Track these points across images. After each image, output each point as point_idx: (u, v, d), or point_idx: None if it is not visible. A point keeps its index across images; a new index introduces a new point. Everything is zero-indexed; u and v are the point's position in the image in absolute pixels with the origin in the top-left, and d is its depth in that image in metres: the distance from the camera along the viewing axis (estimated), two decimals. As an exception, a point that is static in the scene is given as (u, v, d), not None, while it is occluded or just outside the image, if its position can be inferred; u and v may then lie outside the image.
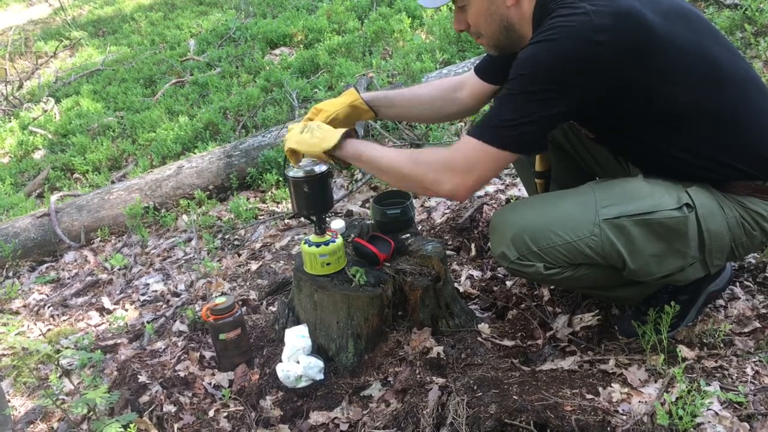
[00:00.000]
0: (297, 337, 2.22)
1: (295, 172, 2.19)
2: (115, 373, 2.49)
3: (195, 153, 4.51)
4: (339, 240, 2.26)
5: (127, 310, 3.12)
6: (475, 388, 1.87)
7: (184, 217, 3.93)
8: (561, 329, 2.20)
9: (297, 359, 2.19)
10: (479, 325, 2.29)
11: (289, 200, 3.66)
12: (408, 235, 2.41)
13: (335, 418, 2.04)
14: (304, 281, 2.29)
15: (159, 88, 6.16)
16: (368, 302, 2.19)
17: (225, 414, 2.12)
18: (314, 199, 2.20)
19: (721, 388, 1.79)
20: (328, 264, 2.24)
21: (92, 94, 6.48)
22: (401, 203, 2.45)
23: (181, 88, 6.02)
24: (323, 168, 2.19)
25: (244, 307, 2.75)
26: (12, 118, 6.51)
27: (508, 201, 2.99)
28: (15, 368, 2.84)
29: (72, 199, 4.17)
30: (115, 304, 3.22)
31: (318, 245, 2.23)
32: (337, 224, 2.43)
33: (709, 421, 1.67)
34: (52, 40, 8.94)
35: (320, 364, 2.18)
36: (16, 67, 8.23)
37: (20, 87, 7.46)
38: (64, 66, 8.00)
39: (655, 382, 1.86)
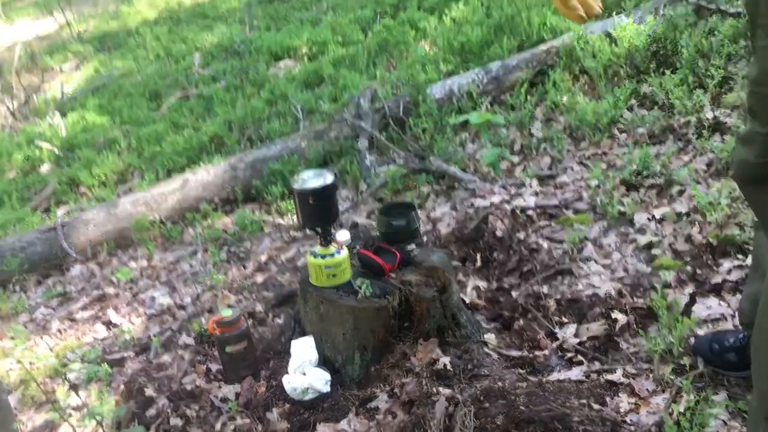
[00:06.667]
0: (303, 349, 2.22)
1: (300, 185, 2.19)
2: (122, 386, 2.49)
3: (200, 166, 4.52)
4: (344, 252, 2.26)
5: (133, 324, 3.12)
6: (482, 399, 1.86)
7: (190, 230, 3.94)
8: (568, 339, 2.20)
9: (303, 371, 2.18)
10: (485, 336, 2.29)
11: (295, 212, 3.67)
12: (413, 246, 2.41)
13: (342, 430, 2.03)
14: (310, 293, 2.29)
15: (164, 102, 6.18)
16: (374, 314, 2.19)
17: (232, 427, 2.12)
18: (320, 211, 2.21)
19: (729, 397, 1.78)
20: (333, 276, 2.25)
21: (98, 108, 6.50)
22: (406, 214, 2.45)
23: (186, 101, 6.04)
24: (329, 180, 2.20)
25: (251, 320, 2.75)
26: (18, 132, 6.54)
27: (513, 212, 2.99)
28: (22, 382, 2.84)
29: (78, 213, 4.17)
30: (121, 317, 3.22)
31: (323, 257, 2.24)
32: (343, 236, 2.43)
33: (718, 431, 1.66)
34: (58, 54, 9.00)
35: (327, 376, 2.17)
36: (23, 82, 8.29)
37: (27, 102, 7.50)
38: (70, 80, 8.04)
39: (663, 392, 1.85)
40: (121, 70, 7.64)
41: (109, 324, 3.20)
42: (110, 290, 3.54)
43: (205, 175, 4.13)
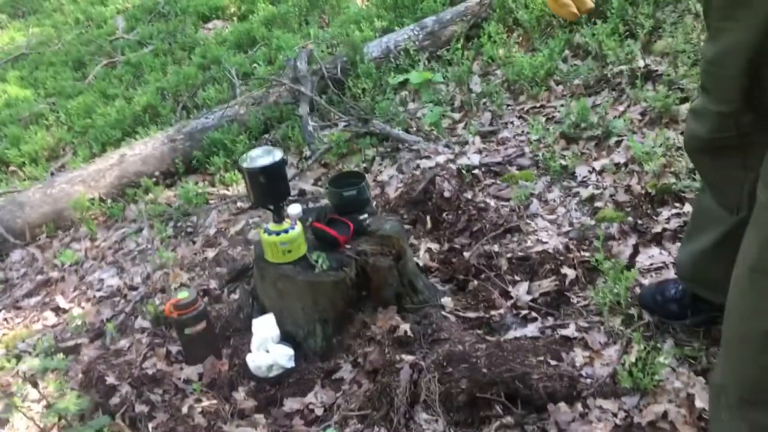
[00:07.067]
0: (264, 327, 2.23)
1: (249, 164, 2.17)
2: (81, 375, 2.46)
3: (136, 139, 4.40)
4: (298, 227, 2.27)
5: (83, 308, 3.06)
6: (445, 364, 1.93)
7: (132, 206, 3.85)
8: (521, 297, 2.27)
9: (266, 348, 2.20)
10: (442, 300, 2.35)
11: (241, 184, 3.62)
12: (366, 215, 2.42)
13: (309, 403, 2.08)
14: (267, 270, 2.29)
15: (90, 71, 5.94)
16: (332, 287, 2.21)
17: (199, 409, 2.14)
18: (271, 188, 2.20)
19: (675, 344, 1.88)
20: (289, 251, 2.25)
21: (19, 80, 6.20)
22: (356, 184, 2.45)
23: (114, 69, 5.82)
24: (278, 157, 2.19)
25: (206, 297, 2.74)
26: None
27: (459, 171, 3.03)
28: (-27, 377, 2.77)
29: (12, 195, 4.02)
30: (70, 302, 3.16)
31: (278, 233, 2.24)
32: (294, 209, 2.42)
33: (668, 378, 1.76)
34: (-33, 23, 8.49)
35: (290, 351, 2.20)
36: (-68, 55, 7.82)
37: (-60, 77, 7.08)
38: (-15, 51, 7.63)
39: (615, 343, 1.95)
40: (39, 37, 7.28)
41: (57, 310, 3.14)
42: (54, 274, 3.45)
43: (143, 149, 4.02)
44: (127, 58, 5.84)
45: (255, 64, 4.87)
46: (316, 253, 2.27)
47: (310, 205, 3.13)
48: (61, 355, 2.61)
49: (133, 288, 3.09)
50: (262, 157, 2.18)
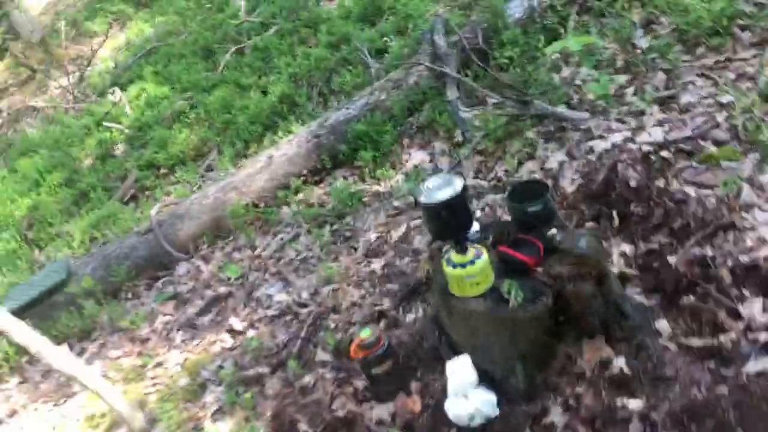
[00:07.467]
0: (461, 370, 2.05)
1: (428, 197, 1.96)
2: (270, 417, 2.40)
3: (277, 133, 4.33)
4: (484, 255, 2.05)
5: (257, 329, 3.03)
6: (685, 419, 1.67)
7: (285, 209, 3.78)
8: (755, 317, 1.94)
9: (465, 394, 2.03)
10: (657, 323, 2.06)
11: (393, 179, 3.43)
12: (554, 229, 2.16)
13: (522, 456, 1.90)
14: (454, 305, 2.10)
15: (219, 59, 5.91)
16: (531, 321, 1.99)
17: (405, 464, 2.01)
18: (453, 222, 1.99)
19: None
20: (477, 284, 2.05)
21: (155, 76, 6.31)
22: (541, 196, 2.19)
23: (243, 56, 5.76)
24: (458, 187, 1.96)
25: (382, 321, 2.60)
26: (82, 114, 6.45)
27: (645, 156, 2.67)
28: (165, 409, 2.81)
29: (170, 208, 4.08)
30: (242, 321, 3.14)
31: (463, 266, 2.03)
32: (471, 231, 2.20)
33: None
34: (98, 18, 8.77)
35: (492, 398, 2.02)
36: (70, 54, 8.15)
37: (81, 79, 7.37)
38: (117, 45, 7.87)
39: None
40: (164, 26, 7.38)
41: (232, 331, 3.13)
42: (222, 289, 3.45)
43: (289, 149, 3.93)
44: (254, 43, 5.75)
45: (386, 39, 4.61)
46: (507, 282, 2.05)
47: (477, 204, 2.90)
48: (249, 395, 2.58)
49: (302, 305, 3.02)
50: (440, 188, 1.96)
